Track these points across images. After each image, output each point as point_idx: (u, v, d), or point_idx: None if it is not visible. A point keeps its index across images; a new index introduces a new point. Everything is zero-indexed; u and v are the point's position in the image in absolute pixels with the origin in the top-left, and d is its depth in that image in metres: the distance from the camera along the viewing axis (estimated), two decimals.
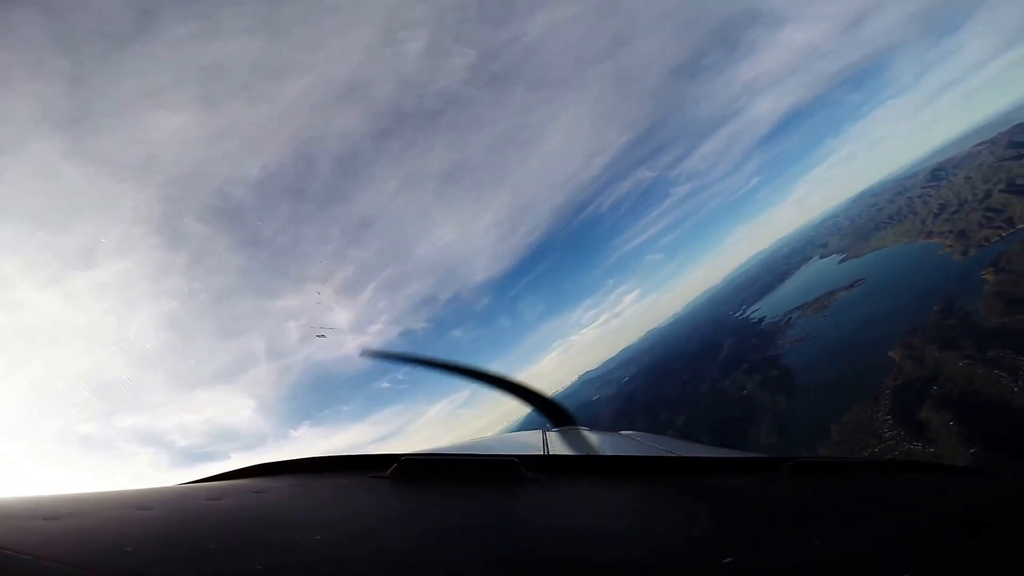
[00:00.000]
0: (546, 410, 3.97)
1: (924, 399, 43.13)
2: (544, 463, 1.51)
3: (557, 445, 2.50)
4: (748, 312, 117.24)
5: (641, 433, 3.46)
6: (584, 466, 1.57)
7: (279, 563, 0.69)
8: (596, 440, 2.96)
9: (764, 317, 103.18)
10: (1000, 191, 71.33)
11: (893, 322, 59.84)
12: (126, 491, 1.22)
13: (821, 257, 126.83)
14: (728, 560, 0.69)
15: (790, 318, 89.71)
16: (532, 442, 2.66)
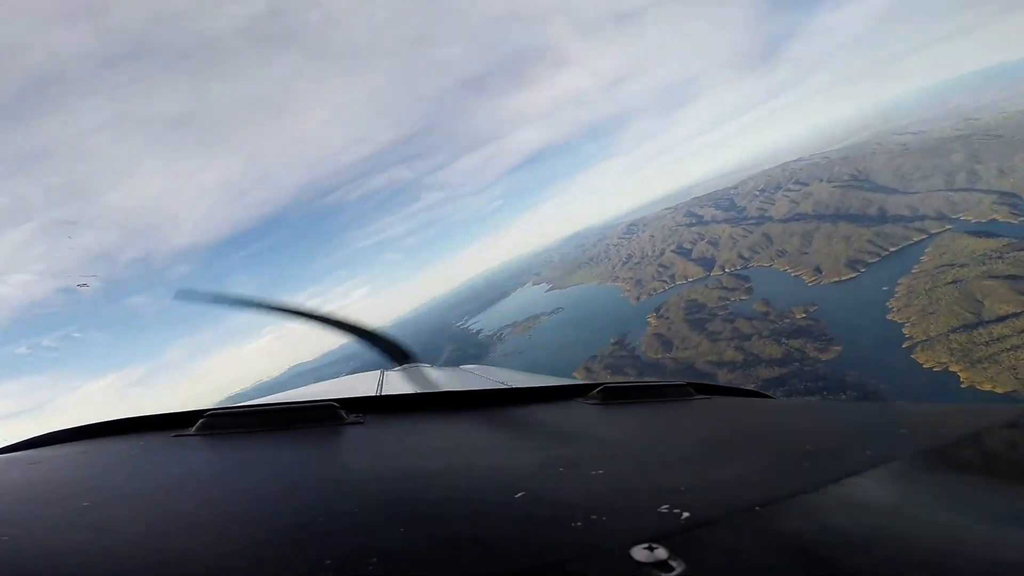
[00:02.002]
0: (384, 349, 3.85)
1: None
2: (367, 404, 1.50)
3: (391, 385, 2.51)
4: (469, 323, 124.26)
5: (482, 367, 3.56)
6: (405, 404, 1.57)
7: (37, 537, 0.64)
8: (432, 376, 2.98)
9: (481, 330, 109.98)
10: (671, 251, 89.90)
11: (580, 347, 68.39)
12: None
13: (534, 284, 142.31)
14: (520, 495, 0.72)
15: (502, 334, 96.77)
16: (366, 384, 2.66)
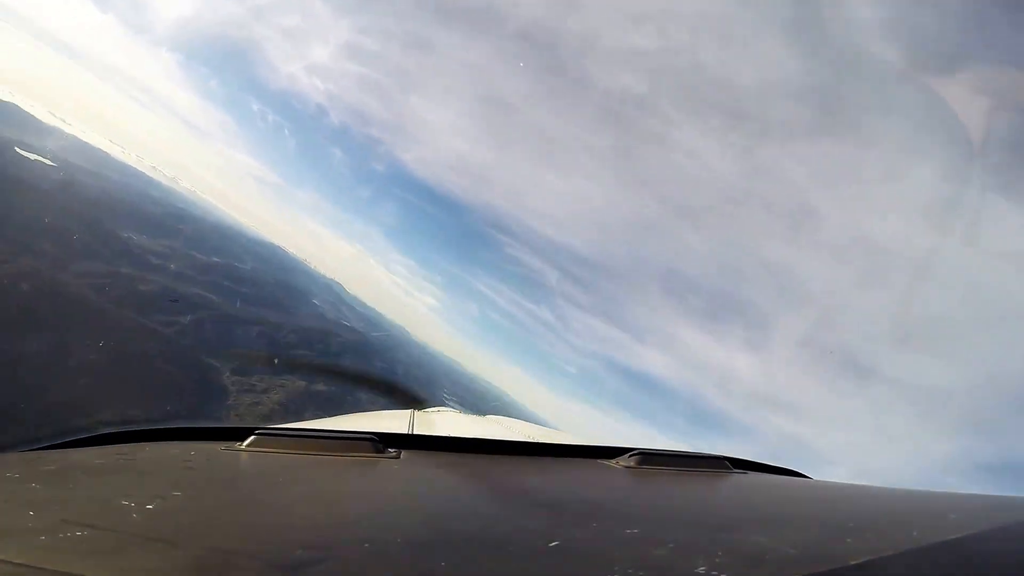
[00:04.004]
0: (399, 397, 4.32)
1: None
2: (404, 440, 1.57)
3: (422, 424, 2.63)
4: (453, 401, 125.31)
5: (508, 418, 3.73)
6: (439, 444, 1.66)
7: (114, 536, 0.67)
8: (461, 421, 3.25)
9: None
10: None
11: None
12: None
13: None
14: (554, 544, 0.73)
15: None
16: (398, 421, 2.75)
